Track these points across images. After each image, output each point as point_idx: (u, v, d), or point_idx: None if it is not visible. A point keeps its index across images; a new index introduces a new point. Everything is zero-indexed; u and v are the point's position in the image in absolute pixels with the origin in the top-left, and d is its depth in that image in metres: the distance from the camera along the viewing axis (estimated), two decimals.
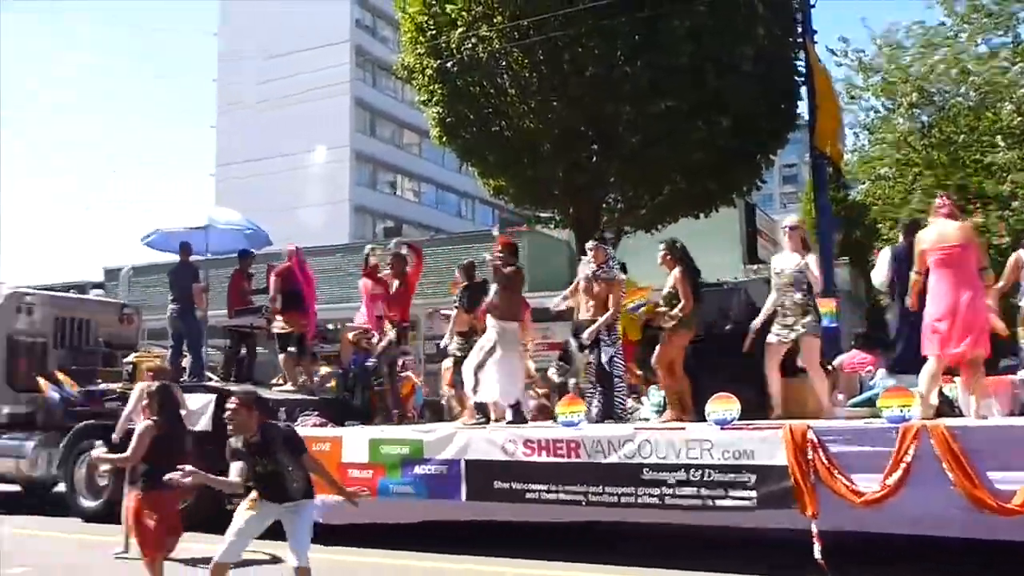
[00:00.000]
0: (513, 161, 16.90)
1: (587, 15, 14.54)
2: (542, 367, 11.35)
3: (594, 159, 16.63)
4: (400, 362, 10.85)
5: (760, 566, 7.43)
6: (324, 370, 12.43)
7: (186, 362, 11.64)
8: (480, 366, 8.97)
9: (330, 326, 17.81)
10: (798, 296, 7.87)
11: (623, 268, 10.34)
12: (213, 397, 10.07)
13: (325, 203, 46.80)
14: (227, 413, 5.90)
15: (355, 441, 9.25)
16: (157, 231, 12.36)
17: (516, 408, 8.92)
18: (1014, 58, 18.73)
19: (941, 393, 7.51)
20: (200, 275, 11.72)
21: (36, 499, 12.66)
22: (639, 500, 7.72)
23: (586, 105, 15.32)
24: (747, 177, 17.58)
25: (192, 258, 11.79)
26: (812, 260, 7.91)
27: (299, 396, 10.78)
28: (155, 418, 6.91)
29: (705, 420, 7.66)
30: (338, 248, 28.07)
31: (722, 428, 7.52)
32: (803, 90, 15.51)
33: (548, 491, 8.11)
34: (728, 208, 18.55)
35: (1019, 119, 18.60)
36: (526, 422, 8.97)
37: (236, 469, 5.79)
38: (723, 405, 7.55)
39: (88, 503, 11.08)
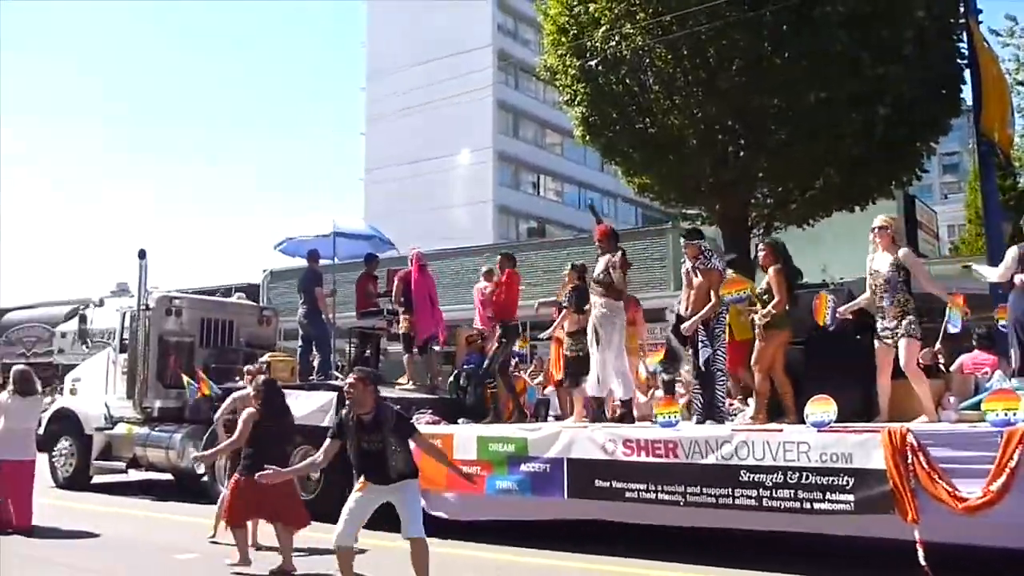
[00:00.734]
0: (658, 158, 16.94)
1: (731, 7, 14.40)
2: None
3: (741, 154, 16.47)
4: (513, 362, 11.13)
5: (862, 571, 7.29)
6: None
7: (316, 361, 12.31)
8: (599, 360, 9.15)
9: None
10: (898, 297, 7.65)
11: (731, 263, 10.30)
12: (335, 395, 10.64)
13: (469, 204, 47.87)
14: (346, 387, 6.43)
15: (464, 438, 9.59)
16: (287, 239, 13.14)
17: (626, 404, 9.07)
18: None
19: None
20: (324, 280, 12.36)
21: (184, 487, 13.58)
22: (736, 502, 7.71)
23: (732, 98, 15.19)
24: (906, 168, 17.03)
25: (321, 263, 12.49)
26: (910, 257, 7.68)
27: (416, 395, 11.22)
28: (258, 405, 7.56)
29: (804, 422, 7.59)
30: (484, 248, 28.52)
31: (819, 430, 7.43)
32: (966, 74, 14.71)
33: (647, 491, 8.19)
34: (886, 200, 17.94)
35: None
36: (634, 421, 9.06)
37: (325, 446, 6.28)
38: (821, 407, 7.48)
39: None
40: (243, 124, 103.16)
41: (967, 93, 14.84)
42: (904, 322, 7.59)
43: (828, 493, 7.27)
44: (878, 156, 15.55)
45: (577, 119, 17.56)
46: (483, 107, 48.30)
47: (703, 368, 8.57)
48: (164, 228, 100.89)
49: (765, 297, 8.31)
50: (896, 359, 7.75)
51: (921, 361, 8.41)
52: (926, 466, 6.87)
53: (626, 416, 9.13)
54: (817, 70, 14.28)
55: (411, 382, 11.68)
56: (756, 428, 8.01)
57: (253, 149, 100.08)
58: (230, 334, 14.06)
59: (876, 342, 7.84)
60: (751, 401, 9.19)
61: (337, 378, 12.08)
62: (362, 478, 6.37)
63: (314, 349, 12.23)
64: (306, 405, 10.83)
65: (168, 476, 13.66)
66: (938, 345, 8.78)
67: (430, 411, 10.48)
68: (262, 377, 8.50)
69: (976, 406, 7.95)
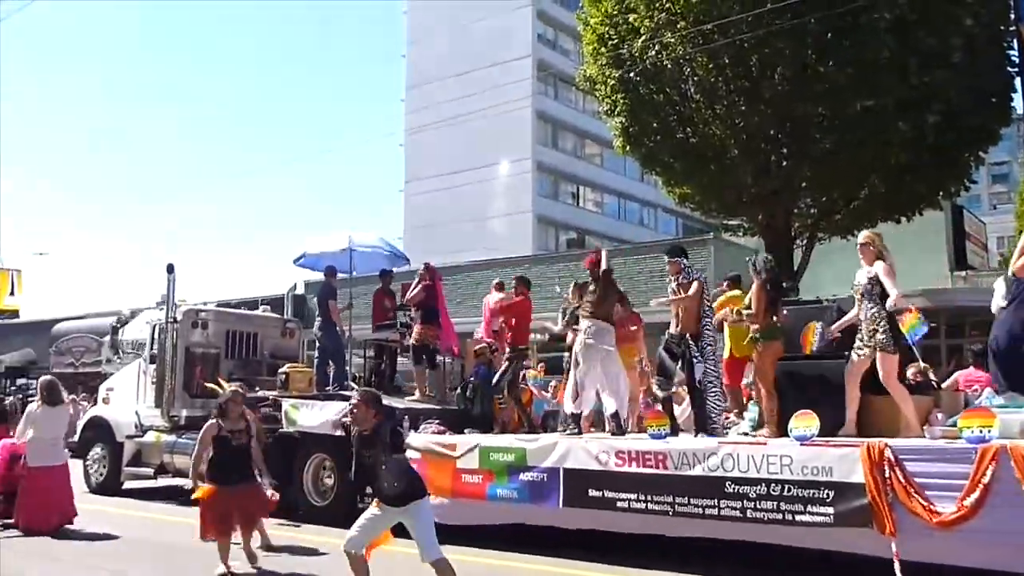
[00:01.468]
0: (699, 168, 16.88)
1: (775, 14, 14.26)
2: None
3: (784, 163, 16.31)
4: (521, 375, 11.38)
5: None
6: None
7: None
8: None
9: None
10: (872, 310, 7.77)
11: (736, 280, 10.48)
12: (347, 405, 10.98)
13: (509, 215, 48.21)
14: (349, 407, 6.85)
15: (467, 447, 9.88)
16: (305, 253, 13.57)
17: (616, 418, 9.28)
18: None
19: None
20: (338, 294, 12.74)
21: None
22: (722, 513, 7.89)
23: (776, 107, 15.11)
24: (954, 177, 16.70)
25: (340, 277, 12.88)
26: (880, 269, 7.79)
27: (423, 405, 11.52)
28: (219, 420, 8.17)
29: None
30: (523, 259, 28.73)
31: (802, 444, 7.59)
32: (1017, 81, 14.76)
33: (637, 500, 8.41)
34: (933, 211, 17.77)
35: None
36: (625, 433, 9.27)
37: None
38: (804, 422, 7.66)
39: None
40: (287, 136, 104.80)
41: (1018, 102, 14.85)
42: (877, 335, 7.70)
43: (809, 505, 7.43)
44: (926, 163, 15.28)
45: (617, 129, 17.56)
46: (522, 118, 48.58)
47: (697, 384, 8.74)
48: (221, 241, 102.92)
49: (748, 312, 8.49)
50: (872, 372, 7.87)
51: (911, 379, 8.55)
52: (903, 480, 7.01)
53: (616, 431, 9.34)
54: (863, 77, 14.15)
55: (419, 393, 11.97)
56: (741, 441, 8.19)
57: (296, 162, 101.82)
58: (254, 346, 14.50)
59: (852, 354, 7.99)
60: (746, 415, 9.37)
61: (352, 389, 12.45)
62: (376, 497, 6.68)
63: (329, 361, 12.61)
64: (319, 416, 11.24)
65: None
66: (921, 364, 8.87)
67: (437, 421, 10.77)
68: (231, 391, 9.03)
69: None
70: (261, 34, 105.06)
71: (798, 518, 7.47)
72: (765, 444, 7.93)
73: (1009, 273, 7.70)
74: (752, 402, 9.21)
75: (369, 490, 7.65)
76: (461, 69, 48.30)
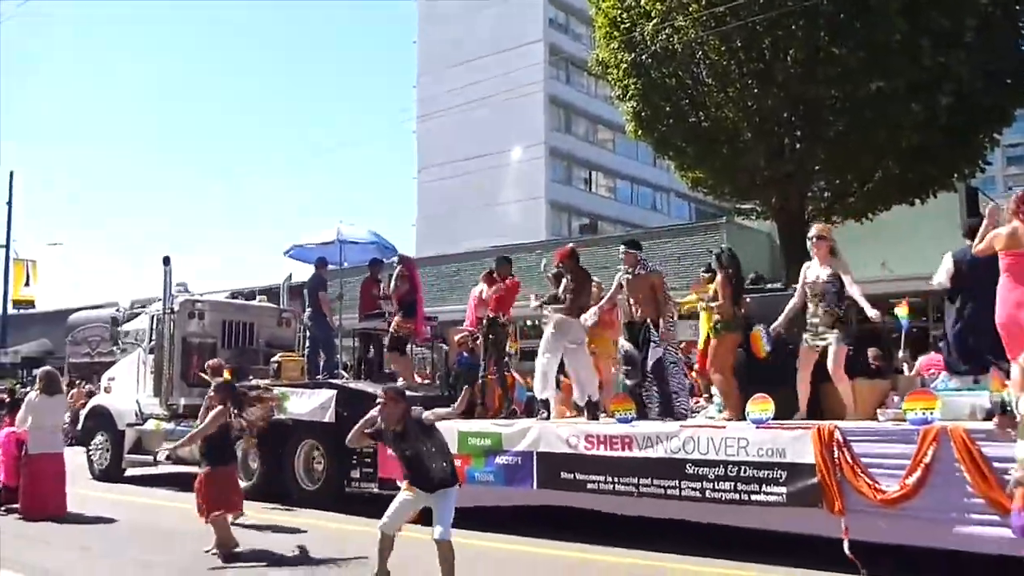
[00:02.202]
0: (712, 152, 16.86)
1: None
2: None
3: (798, 146, 16.28)
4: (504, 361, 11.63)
5: (790, 559, 7.63)
6: None
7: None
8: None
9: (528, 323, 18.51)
10: (831, 307, 8.01)
11: (708, 269, 10.68)
12: (335, 393, 11.38)
13: (521, 200, 48.23)
14: (379, 406, 7.16)
15: (446, 433, 10.14)
16: (295, 246, 13.90)
17: (590, 404, 9.57)
18: None
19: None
20: (327, 285, 13.08)
21: None
22: (682, 493, 8.21)
23: (788, 89, 15.09)
24: (968, 159, 16.57)
25: (330, 268, 13.22)
26: (844, 268, 8.04)
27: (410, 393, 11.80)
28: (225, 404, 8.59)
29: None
30: (536, 245, 28.73)
31: (758, 427, 7.87)
32: None
33: (605, 482, 8.76)
34: (947, 193, 17.62)
35: None
36: (597, 419, 9.54)
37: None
38: (760, 406, 7.95)
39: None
40: (296, 126, 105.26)
41: None
42: (835, 331, 7.97)
43: (763, 486, 7.76)
44: (939, 145, 15.20)
45: (629, 114, 17.56)
46: (535, 103, 48.55)
47: (654, 369, 9.00)
48: (234, 231, 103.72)
49: (713, 304, 8.73)
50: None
51: (873, 363, 8.78)
52: (851, 460, 7.30)
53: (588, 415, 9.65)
54: (876, 59, 14.10)
55: (402, 380, 12.27)
56: (701, 424, 8.47)
57: (308, 153, 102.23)
58: (251, 335, 14.85)
59: (802, 344, 8.25)
60: (714, 399, 9.60)
61: (342, 377, 12.79)
62: (407, 481, 7.09)
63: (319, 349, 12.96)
64: (309, 403, 11.62)
65: (193, 468, 14.49)
66: (902, 352, 9.07)
67: (420, 407, 11.02)
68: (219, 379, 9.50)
69: None
70: (265, 33, 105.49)
71: (754, 498, 7.80)
72: (724, 427, 8.21)
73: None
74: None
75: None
76: (473, 55, 48.30)
